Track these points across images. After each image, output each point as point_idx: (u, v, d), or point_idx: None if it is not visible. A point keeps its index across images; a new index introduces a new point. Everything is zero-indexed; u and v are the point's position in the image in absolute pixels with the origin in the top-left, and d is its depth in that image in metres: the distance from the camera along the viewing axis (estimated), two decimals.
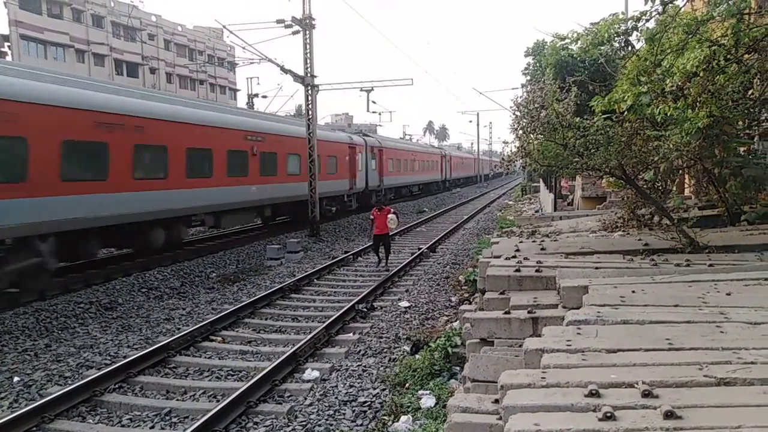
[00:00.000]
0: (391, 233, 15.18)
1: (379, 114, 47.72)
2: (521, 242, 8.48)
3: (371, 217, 14.84)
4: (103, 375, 6.99)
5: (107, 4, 50.35)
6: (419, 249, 16.80)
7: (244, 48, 21.85)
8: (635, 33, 7.38)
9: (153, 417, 6.23)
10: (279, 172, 20.44)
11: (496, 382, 3.11)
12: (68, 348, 8.47)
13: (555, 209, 19.87)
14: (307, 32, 20.26)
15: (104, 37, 49.35)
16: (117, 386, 6.95)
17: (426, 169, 46.64)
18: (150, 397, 6.82)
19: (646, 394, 2.54)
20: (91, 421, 6.21)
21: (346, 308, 10.03)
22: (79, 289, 11.79)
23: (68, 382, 7.11)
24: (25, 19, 43.03)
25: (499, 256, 7.04)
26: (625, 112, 7.29)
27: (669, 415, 2.34)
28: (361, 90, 27.57)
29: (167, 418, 6.21)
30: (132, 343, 8.66)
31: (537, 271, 5.90)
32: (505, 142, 10.04)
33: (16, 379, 7.24)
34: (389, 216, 14.60)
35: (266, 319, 10.09)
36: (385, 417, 6.02)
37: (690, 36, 6.70)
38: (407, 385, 6.75)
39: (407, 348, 8.13)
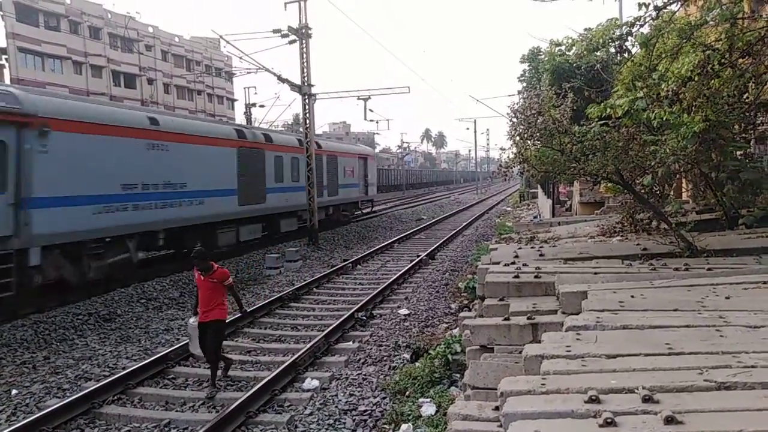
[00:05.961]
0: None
1: (377, 122, 47.87)
2: (520, 248, 8.49)
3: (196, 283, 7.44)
4: (101, 387, 6.95)
5: (104, 16, 50.50)
6: (418, 256, 16.77)
7: (241, 58, 21.65)
8: (630, 38, 7.43)
9: (152, 428, 6.20)
10: None
11: (497, 389, 3.10)
12: (67, 360, 8.43)
13: (553, 215, 19.88)
14: (304, 41, 20.34)
15: (101, 49, 49.44)
16: (116, 398, 6.91)
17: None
18: (149, 408, 6.78)
19: (647, 400, 2.53)
20: None
21: (345, 317, 10.01)
22: (78, 300, 11.76)
23: (67, 394, 7.06)
24: (22, 31, 43.11)
25: (498, 263, 7.04)
26: (621, 118, 7.32)
27: (669, 420, 2.33)
28: (359, 98, 27.66)
29: (166, 429, 6.18)
30: (131, 355, 8.63)
31: (536, 277, 5.90)
32: (502, 149, 10.10)
33: (14, 392, 7.20)
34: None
35: (265, 329, 10.06)
36: (385, 426, 5.99)
37: (684, 41, 6.75)
38: (407, 393, 6.72)
39: (407, 356, 8.10)
